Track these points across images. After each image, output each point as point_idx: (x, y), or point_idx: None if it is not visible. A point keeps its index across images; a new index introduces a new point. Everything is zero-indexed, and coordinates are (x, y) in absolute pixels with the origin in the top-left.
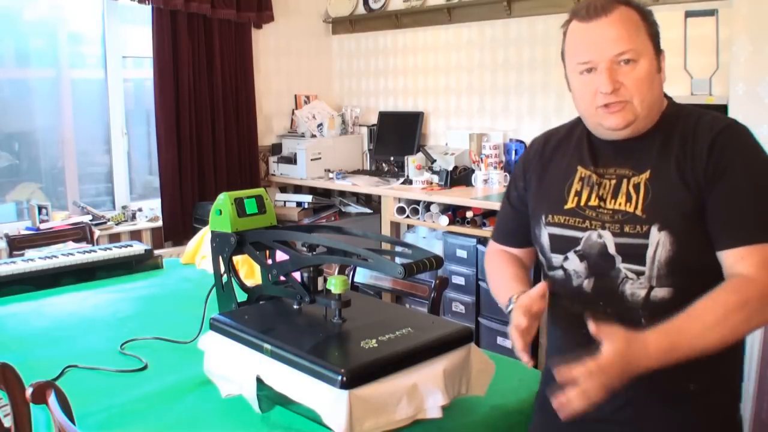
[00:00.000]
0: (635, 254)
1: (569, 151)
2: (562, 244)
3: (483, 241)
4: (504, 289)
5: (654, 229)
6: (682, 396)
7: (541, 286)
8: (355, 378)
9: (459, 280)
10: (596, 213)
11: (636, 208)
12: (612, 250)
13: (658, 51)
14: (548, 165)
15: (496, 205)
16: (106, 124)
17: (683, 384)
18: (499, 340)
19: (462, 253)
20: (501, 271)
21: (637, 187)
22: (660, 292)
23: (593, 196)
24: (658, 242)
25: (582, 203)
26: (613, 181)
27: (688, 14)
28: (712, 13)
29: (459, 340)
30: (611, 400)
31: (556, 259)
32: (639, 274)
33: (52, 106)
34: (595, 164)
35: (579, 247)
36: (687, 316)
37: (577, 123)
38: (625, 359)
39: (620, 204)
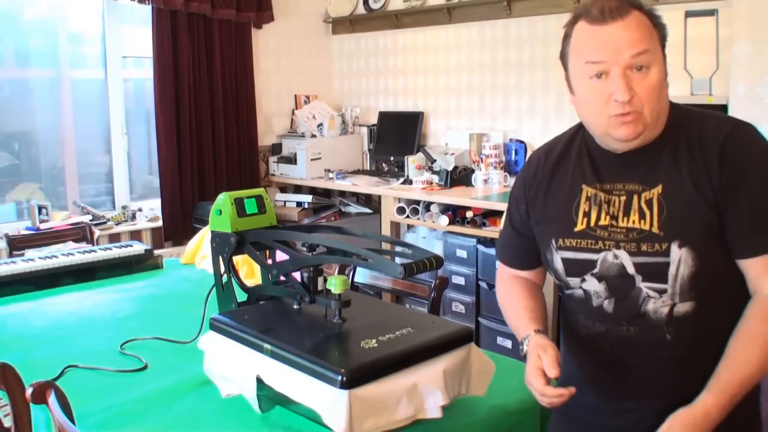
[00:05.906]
0: (656, 273)
1: (570, 167)
2: (577, 268)
3: (483, 241)
4: (517, 324)
5: (674, 247)
6: None
7: (555, 355)
8: (355, 378)
9: (459, 280)
10: (608, 233)
11: (652, 225)
12: (631, 270)
13: (664, 56)
14: (550, 185)
15: (496, 205)
16: (106, 124)
17: None
18: (499, 340)
19: (462, 253)
20: (513, 302)
21: (649, 202)
22: (683, 307)
23: (603, 214)
24: (680, 259)
25: (592, 224)
26: (623, 198)
27: (688, 14)
28: (712, 13)
29: (459, 340)
30: (635, 412)
31: (574, 281)
32: (661, 292)
33: (52, 106)
34: (600, 180)
35: (596, 270)
36: (732, 363)
37: (575, 133)
38: None
39: (634, 222)
